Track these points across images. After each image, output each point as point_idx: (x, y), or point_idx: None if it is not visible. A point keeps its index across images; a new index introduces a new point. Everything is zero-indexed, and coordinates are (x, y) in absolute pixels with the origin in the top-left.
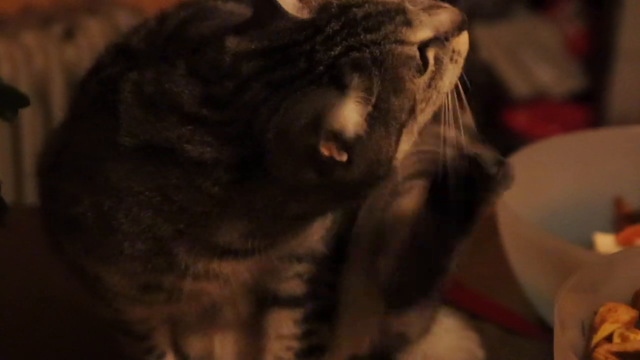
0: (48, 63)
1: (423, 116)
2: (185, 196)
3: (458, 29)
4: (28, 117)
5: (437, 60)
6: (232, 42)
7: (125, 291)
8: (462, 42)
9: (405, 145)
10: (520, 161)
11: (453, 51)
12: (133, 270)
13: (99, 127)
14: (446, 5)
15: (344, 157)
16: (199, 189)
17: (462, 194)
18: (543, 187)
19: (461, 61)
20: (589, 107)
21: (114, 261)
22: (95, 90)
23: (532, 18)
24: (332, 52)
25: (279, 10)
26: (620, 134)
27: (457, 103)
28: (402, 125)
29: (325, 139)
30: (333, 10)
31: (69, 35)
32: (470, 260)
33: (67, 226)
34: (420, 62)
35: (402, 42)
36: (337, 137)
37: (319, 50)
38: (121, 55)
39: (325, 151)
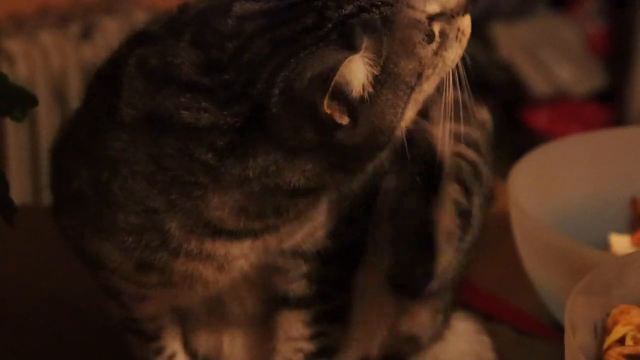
0: (65, 62)
1: (429, 84)
2: (179, 164)
3: (463, 9)
4: (45, 116)
5: (443, 33)
6: (237, 6)
7: (121, 269)
8: (466, 23)
9: (410, 113)
10: (535, 161)
11: (458, 30)
12: (127, 246)
13: (102, 102)
14: None
15: (345, 120)
16: (192, 156)
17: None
18: (558, 187)
19: (464, 42)
20: (610, 106)
21: (109, 236)
22: (104, 70)
23: (553, 17)
24: (343, 11)
25: None
26: (637, 133)
27: (456, 85)
28: (410, 90)
29: (330, 97)
30: None
31: (86, 34)
32: (483, 262)
33: (68, 202)
34: (428, 29)
35: (414, 8)
36: (342, 97)
37: (330, 7)
38: (138, 39)
39: (328, 110)
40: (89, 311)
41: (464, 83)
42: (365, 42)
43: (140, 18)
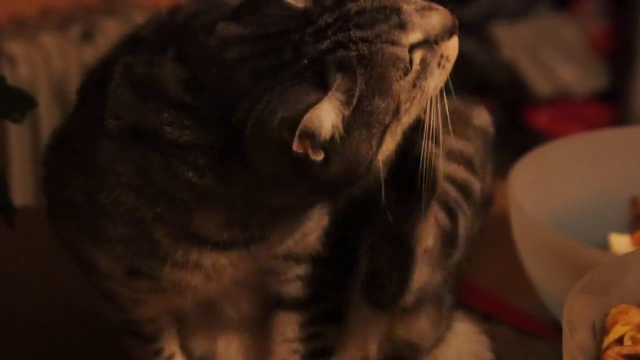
0: (66, 64)
1: (407, 117)
2: (164, 179)
3: (449, 33)
4: (47, 118)
5: (424, 62)
6: (221, 27)
7: (114, 275)
8: (451, 46)
9: (389, 145)
10: (535, 160)
11: (441, 56)
12: (117, 253)
13: (91, 108)
14: (439, 7)
15: (319, 157)
16: (176, 173)
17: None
18: (558, 186)
19: (449, 67)
20: (612, 106)
21: (100, 243)
22: (95, 75)
23: (555, 17)
24: (320, 46)
25: None
26: (638, 133)
27: (439, 109)
28: (386, 127)
29: (301, 137)
30: (327, 3)
31: (87, 36)
32: (484, 262)
33: (62, 208)
34: (408, 64)
35: (394, 44)
36: (313, 138)
37: (308, 42)
38: (129, 44)
39: (299, 149)
40: (90, 312)
41: (445, 110)
42: (338, 82)
43: (141, 20)
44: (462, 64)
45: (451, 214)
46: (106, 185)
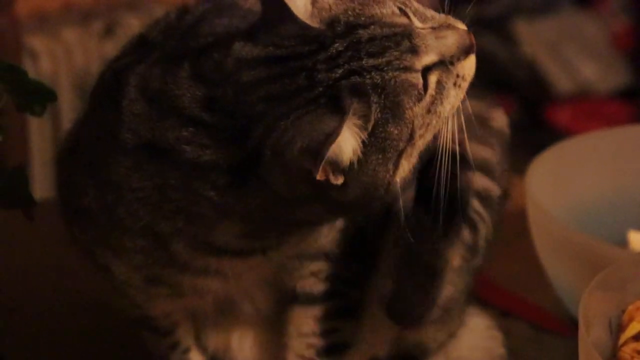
0: (88, 59)
1: (422, 141)
2: (183, 197)
3: (465, 52)
4: (68, 113)
5: (439, 84)
6: (237, 47)
7: (132, 282)
8: (467, 66)
9: (405, 168)
10: (554, 157)
11: (457, 76)
12: (136, 263)
13: (105, 119)
14: (457, 24)
15: (339, 181)
16: (196, 192)
17: (446, 190)
18: (576, 183)
19: (465, 86)
20: (634, 103)
21: (118, 253)
22: (108, 81)
23: (577, 13)
24: (333, 75)
25: (288, 13)
26: None
27: (456, 127)
28: (401, 152)
29: (321, 165)
30: (339, 29)
31: (109, 31)
32: (501, 258)
33: (78, 216)
34: (422, 88)
35: (406, 69)
36: (333, 165)
37: (320, 69)
38: (139, 46)
39: (320, 175)
40: (109, 305)
41: (462, 128)
42: (355, 106)
43: None
44: (482, 61)
45: (472, 225)
46: (123, 200)
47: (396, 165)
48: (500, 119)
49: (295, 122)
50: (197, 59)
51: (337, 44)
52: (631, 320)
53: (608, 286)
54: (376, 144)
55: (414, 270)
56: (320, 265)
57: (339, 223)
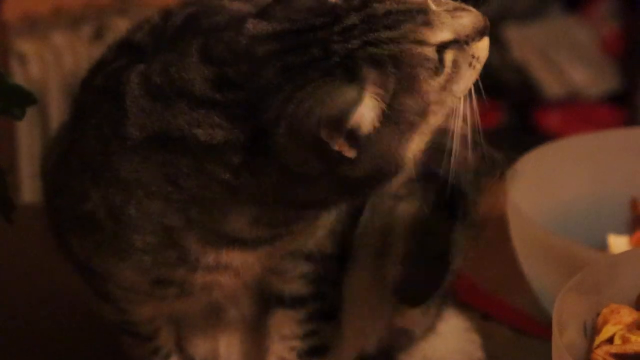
0: (78, 63)
1: (435, 118)
2: (196, 183)
3: (480, 33)
4: (57, 117)
5: (455, 63)
6: (251, 24)
7: (136, 287)
8: (482, 47)
9: (416, 145)
10: (535, 160)
11: (472, 56)
12: (144, 265)
13: (104, 121)
14: (471, 8)
15: (352, 154)
16: (210, 175)
17: (459, 188)
18: (558, 187)
19: (479, 67)
20: (623, 108)
21: (125, 256)
22: (101, 85)
23: (566, 18)
24: (349, 45)
25: None
26: (637, 134)
27: (468, 107)
28: (414, 127)
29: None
30: (355, 2)
31: (98, 35)
32: (482, 261)
33: (77, 224)
34: (437, 64)
35: (421, 43)
36: (352, 134)
37: (336, 40)
38: (125, 50)
39: (336, 146)
40: (87, 309)
41: (474, 108)
42: (373, 76)
43: None
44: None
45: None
46: (133, 198)
47: (409, 141)
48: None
49: (313, 92)
50: (206, 44)
51: (353, 16)
52: (605, 323)
53: (583, 289)
54: (392, 116)
55: (427, 257)
56: (311, 266)
57: (331, 217)
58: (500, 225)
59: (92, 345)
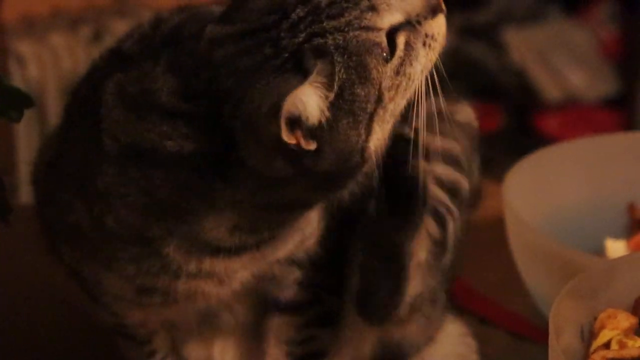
0: (76, 65)
1: (394, 104)
2: (170, 194)
3: (432, 11)
4: (55, 118)
5: (408, 45)
6: (209, 29)
7: (123, 294)
8: (436, 25)
9: (379, 134)
10: (533, 164)
11: (426, 35)
12: (128, 274)
13: (86, 131)
14: None
15: (312, 146)
16: (183, 185)
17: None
18: (554, 191)
19: (436, 46)
20: (622, 111)
21: (110, 265)
22: (85, 94)
23: (565, 22)
24: (296, 40)
25: None
26: (635, 138)
27: (430, 91)
28: (371, 115)
29: (289, 127)
30: None
31: (97, 37)
32: (479, 265)
33: (65, 233)
34: (387, 48)
35: (367, 29)
36: (301, 125)
37: (284, 37)
38: (114, 59)
39: (291, 139)
40: (83, 312)
41: (437, 89)
42: (318, 66)
43: None
44: (472, 68)
45: (441, 221)
46: (112, 208)
47: (368, 130)
48: (465, 113)
49: (262, 89)
50: (173, 54)
51: (299, 10)
52: (602, 328)
53: (579, 294)
54: (344, 106)
55: (378, 265)
56: (305, 273)
57: (321, 224)
58: (497, 230)
59: (89, 347)
